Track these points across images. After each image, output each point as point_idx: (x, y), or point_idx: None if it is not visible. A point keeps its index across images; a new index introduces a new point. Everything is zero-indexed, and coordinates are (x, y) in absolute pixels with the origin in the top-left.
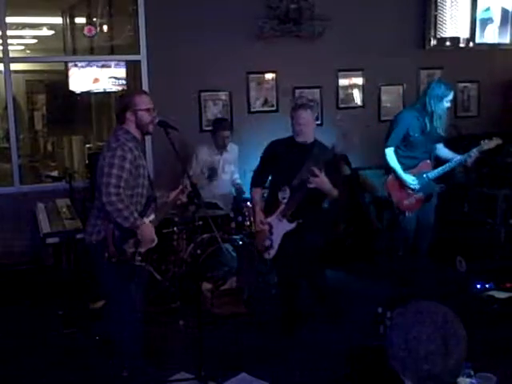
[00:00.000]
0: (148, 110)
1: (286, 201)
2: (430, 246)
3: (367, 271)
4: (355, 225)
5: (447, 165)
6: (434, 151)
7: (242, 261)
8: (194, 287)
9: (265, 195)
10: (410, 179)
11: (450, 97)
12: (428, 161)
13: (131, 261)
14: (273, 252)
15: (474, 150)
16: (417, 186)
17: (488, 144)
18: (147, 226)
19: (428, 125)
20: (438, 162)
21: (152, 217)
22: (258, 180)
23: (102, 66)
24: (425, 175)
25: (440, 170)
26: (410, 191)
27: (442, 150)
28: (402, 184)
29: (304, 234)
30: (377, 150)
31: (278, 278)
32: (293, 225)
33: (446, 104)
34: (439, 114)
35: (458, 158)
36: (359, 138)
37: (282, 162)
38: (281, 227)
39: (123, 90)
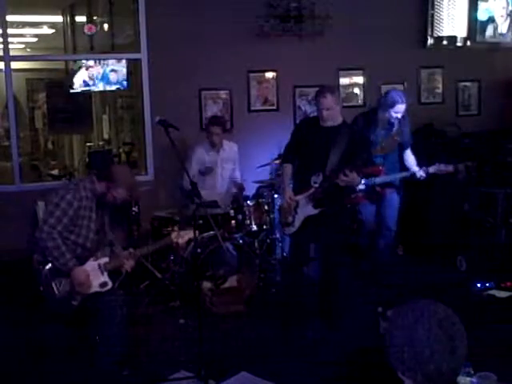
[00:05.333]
0: (115, 197)
1: (317, 185)
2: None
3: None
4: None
5: (393, 175)
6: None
7: (243, 259)
8: (194, 286)
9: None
10: None
11: (397, 108)
12: (380, 167)
13: (63, 299)
14: (293, 229)
15: (431, 169)
16: (361, 187)
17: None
18: (81, 270)
19: (375, 130)
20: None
21: (105, 259)
22: (288, 156)
23: (103, 65)
24: (372, 179)
25: (385, 178)
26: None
27: (407, 157)
28: None
29: (327, 227)
30: None
31: (289, 259)
32: (316, 211)
33: (395, 114)
34: (383, 122)
35: (410, 171)
36: None
37: (311, 143)
38: (305, 210)
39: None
